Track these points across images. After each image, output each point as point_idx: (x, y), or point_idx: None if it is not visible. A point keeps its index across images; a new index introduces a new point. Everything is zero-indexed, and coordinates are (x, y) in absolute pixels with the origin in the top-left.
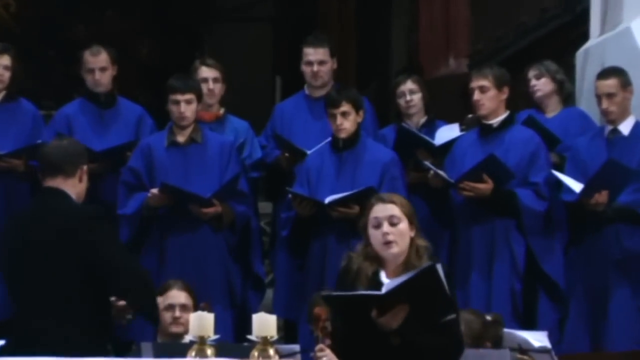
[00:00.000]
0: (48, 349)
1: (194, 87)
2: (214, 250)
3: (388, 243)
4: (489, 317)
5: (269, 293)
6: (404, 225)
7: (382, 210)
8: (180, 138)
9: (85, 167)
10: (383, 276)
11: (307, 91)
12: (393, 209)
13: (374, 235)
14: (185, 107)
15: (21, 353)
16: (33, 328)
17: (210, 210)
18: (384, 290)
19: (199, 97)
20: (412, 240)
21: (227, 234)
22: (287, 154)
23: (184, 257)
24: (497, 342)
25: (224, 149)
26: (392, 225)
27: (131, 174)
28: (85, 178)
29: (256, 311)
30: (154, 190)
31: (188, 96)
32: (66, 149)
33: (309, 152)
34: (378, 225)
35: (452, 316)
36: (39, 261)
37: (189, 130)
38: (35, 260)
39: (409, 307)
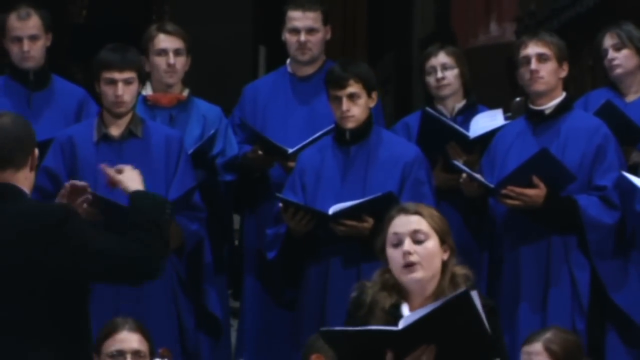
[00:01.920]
0: None
1: (135, 62)
2: (158, 283)
3: (410, 265)
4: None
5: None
6: (432, 243)
7: (404, 223)
8: (115, 131)
9: (37, 152)
10: (405, 310)
11: (289, 68)
12: (418, 222)
13: (393, 256)
14: (124, 88)
15: None
16: None
17: None
18: (401, 324)
19: (141, 76)
20: (444, 264)
21: (176, 261)
22: (260, 151)
23: (118, 290)
24: None
25: (172, 145)
26: (416, 243)
27: (47, 176)
28: (35, 165)
29: None
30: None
31: (127, 74)
32: (14, 131)
33: (290, 150)
34: (398, 243)
35: None
36: None
37: (125, 121)
38: None
39: (435, 350)
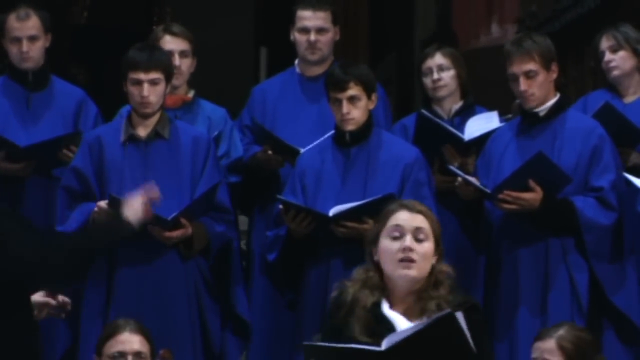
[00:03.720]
0: None
1: (163, 62)
2: (182, 284)
3: (407, 260)
4: None
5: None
6: (429, 245)
7: (409, 219)
8: (142, 131)
9: None
10: (386, 308)
11: (298, 68)
12: (422, 221)
13: (390, 248)
14: (150, 89)
15: None
16: None
17: (176, 234)
18: (384, 344)
19: (169, 76)
20: (432, 267)
21: (201, 262)
22: (270, 152)
23: (141, 293)
24: None
25: (199, 146)
26: (417, 241)
27: (75, 176)
28: None
29: None
30: (102, 204)
31: (154, 75)
32: None
33: (303, 150)
34: (400, 236)
35: None
36: None
37: (153, 121)
38: None
39: None
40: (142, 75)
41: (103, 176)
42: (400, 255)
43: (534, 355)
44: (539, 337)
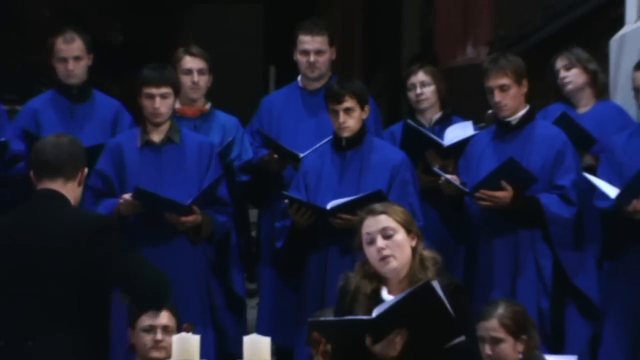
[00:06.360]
0: None
1: (171, 79)
2: (192, 265)
3: (384, 258)
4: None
5: (251, 314)
6: (400, 236)
7: (373, 223)
8: (156, 137)
9: (85, 170)
10: (385, 293)
11: (300, 83)
12: (385, 220)
13: (370, 253)
14: (161, 102)
15: None
16: (17, 353)
17: (190, 218)
18: (374, 313)
19: (176, 91)
20: (413, 250)
21: (206, 247)
22: (275, 155)
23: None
24: None
25: (204, 150)
26: (386, 238)
27: (99, 178)
28: (83, 182)
29: (234, 335)
30: (127, 196)
31: (164, 90)
32: (67, 148)
33: (301, 155)
34: (372, 241)
35: (461, 339)
36: (30, 275)
37: (165, 128)
38: (27, 275)
39: (407, 333)
40: (154, 90)
41: (123, 176)
42: (378, 257)
43: (480, 333)
44: (482, 317)
